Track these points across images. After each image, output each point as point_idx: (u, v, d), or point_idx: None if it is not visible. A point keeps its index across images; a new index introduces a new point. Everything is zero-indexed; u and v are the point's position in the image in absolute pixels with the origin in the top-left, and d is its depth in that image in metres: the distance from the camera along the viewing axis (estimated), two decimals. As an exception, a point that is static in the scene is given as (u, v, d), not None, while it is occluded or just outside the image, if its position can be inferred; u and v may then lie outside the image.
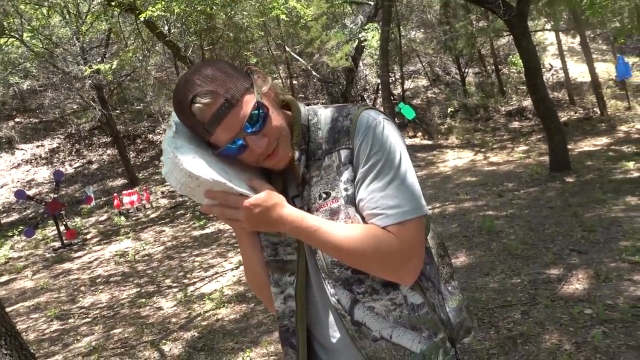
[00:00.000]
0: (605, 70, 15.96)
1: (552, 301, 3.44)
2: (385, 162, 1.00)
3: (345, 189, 1.03)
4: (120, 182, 14.28)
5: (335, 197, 1.04)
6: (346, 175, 1.03)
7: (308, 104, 1.36)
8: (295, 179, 1.07)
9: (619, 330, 2.90)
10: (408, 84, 17.56)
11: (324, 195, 1.05)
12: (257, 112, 0.98)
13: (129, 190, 12.00)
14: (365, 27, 13.78)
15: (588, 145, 10.15)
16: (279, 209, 0.98)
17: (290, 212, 0.99)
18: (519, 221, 5.55)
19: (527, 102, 14.31)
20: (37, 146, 16.24)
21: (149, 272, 6.67)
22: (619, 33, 13.20)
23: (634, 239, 4.29)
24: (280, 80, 16.10)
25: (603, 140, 10.28)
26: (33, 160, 15.66)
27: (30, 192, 13.13)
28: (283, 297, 1.14)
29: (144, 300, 5.34)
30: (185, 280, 5.90)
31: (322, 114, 1.10)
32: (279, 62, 16.43)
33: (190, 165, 0.93)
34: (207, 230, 8.69)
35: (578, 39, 15.13)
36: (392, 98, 14.21)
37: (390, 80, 15.28)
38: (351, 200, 1.03)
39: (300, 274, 1.10)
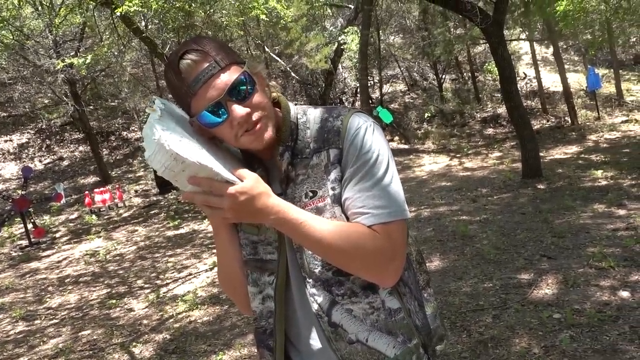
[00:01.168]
0: (577, 80, 16.44)
1: (522, 305, 3.51)
2: (374, 164, 1.01)
3: (333, 189, 1.03)
4: (92, 179, 13.95)
5: (321, 196, 1.04)
6: (334, 174, 1.03)
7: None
8: (279, 176, 1.06)
9: (585, 334, 2.98)
10: (386, 88, 17.71)
11: (310, 194, 1.04)
12: (243, 79, 0.98)
13: (101, 189, 11.73)
14: (345, 30, 13.83)
15: (559, 153, 10.42)
16: (264, 198, 0.96)
17: (275, 202, 0.98)
18: (492, 226, 5.65)
19: (502, 110, 14.62)
20: (5, 141, 15.72)
21: (121, 272, 6.53)
22: (590, 45, 13.63)
23: (601, 245, 4.42)
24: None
25: (573, 149, 10.57)
26: (0, 155, 15.16)
27: (-3, 188, 12.70)
28: (261, 297, 1.13)
29: (114, 301, 5.23)
30: (158, 281, 5.80)
31: (312, 114, 1.10)
32: (258, 60, 16.33)
33: (177, 147, 0.90)
34: (181, 231, 8.56)
35: (551, 49, 15.53)
36: (370, 102, 14.29)
37: (369, 84, 15.37)
38: (337, 200, 1.03)
39: (281, 273, 1.09)
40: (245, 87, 0.98)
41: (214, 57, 0.96)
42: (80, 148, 15.59)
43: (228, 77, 0.96)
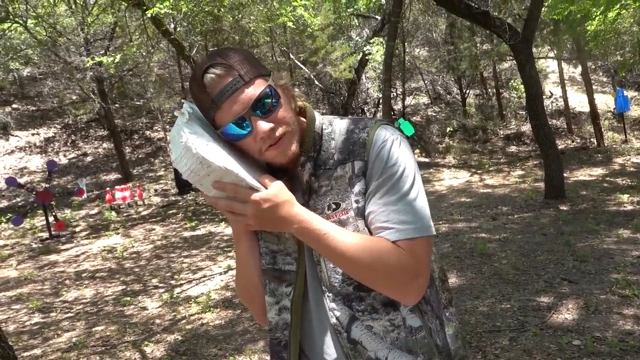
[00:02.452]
0: (604, 102, 16.14)
1: (540, 329, 3.42)
2: (399, 178, 0.99)
3: (357, 201, 1.02)
4: (113, 176, 14.18)
5: (345, 208, 1.02)
6: (358, 187, 1.02)
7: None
8: (302, 186, 1.05)
9: (606, 364, 2.88)
10: (409, 101, 17.65)
11: (334, 206, 1.03)
12: (268, 93, 0.97)
13: (122, 186, 11.92)
14: (371, 41, 13.85)
15: (584, 174, 10.21)
16: (288, 207, 0.95)
17: (299, 211, 0.97)
18: (512, 246, 5.54)
19: (526, 128, 14.43)
20: (33, 134, 16.11)
21: (136, 270, 6.59)
22: (620, 66, 13.38)
23: (625, 272, 4.29)
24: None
25: (598, 171, 10.34)
26: (27, 148, 15.53)
27: (22, 180, 12.99)
28: (278, 309, 1.11)
29: (129, 298, 5.27)
30: (173, 281, 5.83)
31: (338, 125, 1.09)
32: (282, 68, 16.47)
33: (203, 151, 0.90)
34: (197, 232, 8.62)
35: (579, 69, 15.31)
36: (392, 113, 14.24)
37: (392, 96, 15.33)
38: (361, 213, 1.01)
39: (299, 285, 1.07)
40: (269, 101, 0.97)
41: (238, 70, 0.95)
42: (104, 145, 15.89)
43: (252, 91, 0.95)
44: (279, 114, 0.98)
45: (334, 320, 1.04)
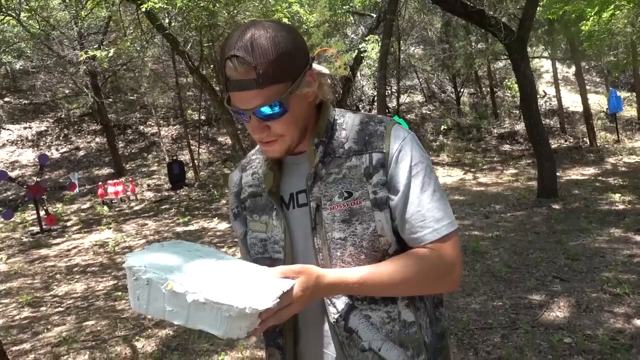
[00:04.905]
0: (597, 102, 16.25)
1: (532, 327, 3.43)
2: (426, 175, 1.03)
3: (374, 192, 1.02)
4: (106, 171, 14.09)
5: (357, 198, 1.02)
6: (377, 178, 1.02)
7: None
8: (306, 171, 1.06)
9: (597, 361, 2.89)
10: (404, 99, 17.66)
11: (346, 195, 1.02)
12: (275, 106, 0.96)
13: (115, 180, 11.83)
14: (366, 38, 13.83)
15: (576, 174, 10.26)
16: (322, 279, 0.96)
17: (333, 275, 0.98)
18: (504, 244, 5.56)
19: (519, 127, 14.49)
20: (25, 128, 15.96)
21: (128, 265, 6.54)
22: (614, 67, 13.46)
23: (617, 270, 4.32)
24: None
25: (591, 171, 10.41)
26: (19, 142, 15.38)
27: (13, 174, 12.88)
28: None
29: (120, 293, 5.23)
30: (164, 277, 5.79)
31: (350, 117, 1.12)
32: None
33: (239, 300, 0.80)
34: (190, 227, 8.58)
35: (573, 69, 15.38)
36: (387, 111, 14.25)
37: (387, 93, 15.34)
38: (379, 204, 1.02)
39: None
40: (271, 114, 0.97)
41: (258, 72, 0.92)
42: (97, 139, 15.77)
43: (261, 100, 0.95)
44: (276, 126, 1.00)
45: (331, 308, 1.04)
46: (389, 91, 16.72)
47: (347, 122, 1.09)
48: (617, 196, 7.33)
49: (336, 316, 1.04)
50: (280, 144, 1.02)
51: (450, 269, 1.02)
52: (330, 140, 1.07)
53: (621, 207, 6.82)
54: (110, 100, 16.21)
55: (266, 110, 0.96)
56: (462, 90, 17.58)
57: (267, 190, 1.09)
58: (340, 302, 1.04)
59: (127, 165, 14.40)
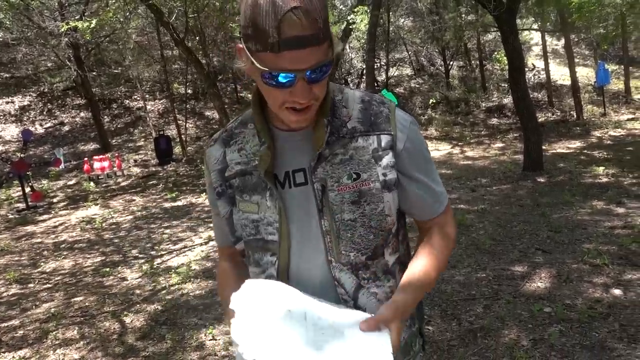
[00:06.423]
0: (586, 75, 16.26)
1: (514, 297, 3.52)
2: (429, 157, 1.12)
3: (384, 174, 1.03)
4: (92, 146, 13.91)
5: (365, 180, 1.02)
6: (386, 160, 1.03)
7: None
8: (309, 149, 1.02)
9: (575, 329, 2.98)
10: (392, 72, 17.52)
11: (354, 176, 1.02)
12: (327, 65, 0.91)
13: (101, 156, 11.70)
14: (355, 10, 13.60)
15: (562, 147, 10.35)
16: (398, 306, 0.98)
17: (400, 300, 1.00)
18: (489, 217, 5.64)
19: (507, 100, 14.49)
20: (7, 102, 15.62)
21: (116, 241, 6.54)
22: (602, 39, 13.43)
23: (597, 242, 4.42)
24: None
25: (577, 144, 10.50)
26: (1, 117, 15.08)
27: (-3, 150, 12.67)
28: (265, 277, 1.10)
29: (108, 269, 5.24)
30: (153, 252, 5.81)
31: (349, 93, 1.09)
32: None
33: None
34: (178, 203, 8.56)
35: (563, 41, 15.32)
36: (375, 84, 14.15)
37: (375, 66, 15.19)
38: (389, 186, 1.04)
39: (282, 255, 1.05)
40: (322, 74, 0.91)
41: (318, 27, 0.85)
42: (82, 114, 15.51)
43: (318, 57, 0.88)
44: (320, 87, 0.93)
45: (340, 289, 1.04)
46: (378, 64, 16.55)
47: (347, 100, 1.06)
48: (601, 169, 7.43)
49: (345, 296, 1.04)
50: (313, 109, 0.97)
51: (453, 232, 1.15)
52: (332, 118, 1.04)
53: (604, 180, 6.92)
54: (94, 73, 15.86)
55: (323, 67, 0.90)
56: (451, 63, 17.47)
57: (263, 170, 1.02)
58: (348, 283, 1.04)
59: (113, 141, 14.22)
